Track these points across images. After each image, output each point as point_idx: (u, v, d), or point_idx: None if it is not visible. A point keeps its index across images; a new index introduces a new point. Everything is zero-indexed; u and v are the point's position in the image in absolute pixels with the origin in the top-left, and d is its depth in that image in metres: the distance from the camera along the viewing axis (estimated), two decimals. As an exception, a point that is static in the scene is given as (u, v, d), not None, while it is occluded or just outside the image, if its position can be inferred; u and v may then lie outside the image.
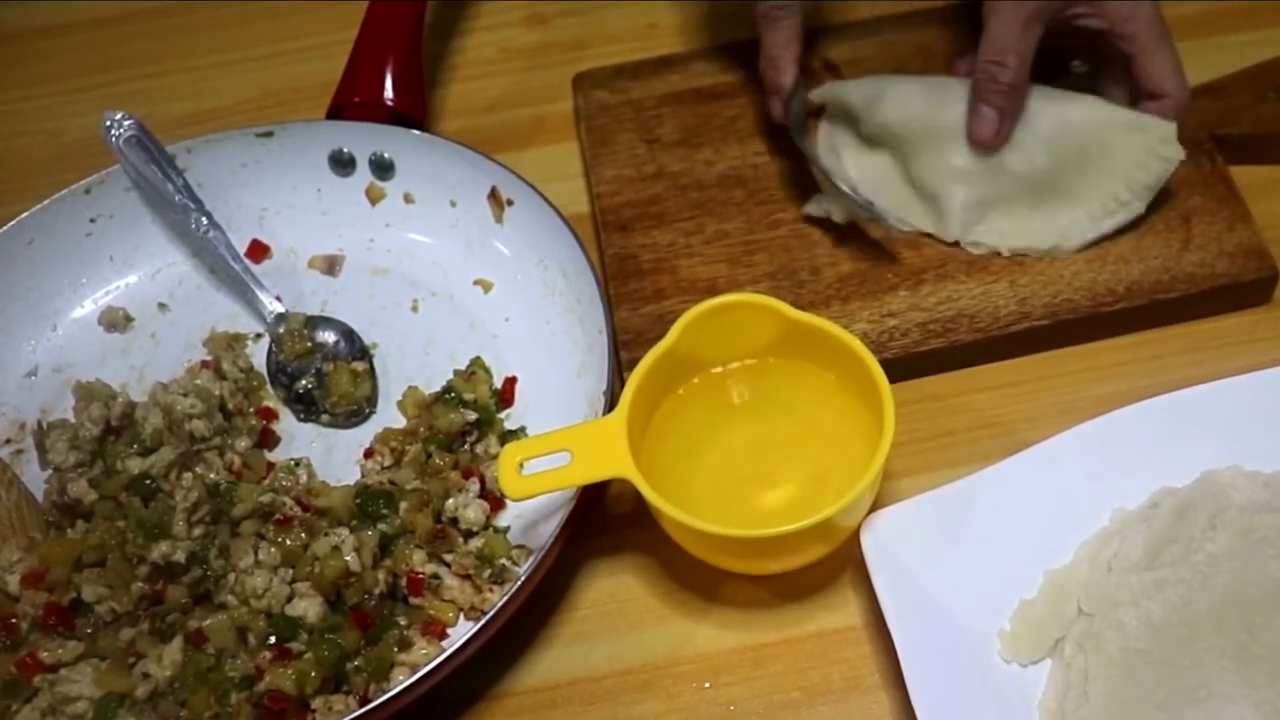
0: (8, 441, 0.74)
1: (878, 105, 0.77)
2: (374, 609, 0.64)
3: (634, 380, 0.64)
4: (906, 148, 0.77)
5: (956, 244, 0.75)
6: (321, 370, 0.75)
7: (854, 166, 0.79)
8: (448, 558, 0.66)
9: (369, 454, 0.71)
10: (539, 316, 0.75)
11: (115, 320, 0.79)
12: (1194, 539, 0.61)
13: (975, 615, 0.61)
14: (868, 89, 0.79)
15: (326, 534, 0.65)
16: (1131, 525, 0.63)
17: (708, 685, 0.64)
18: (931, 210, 0.76)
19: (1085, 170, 0.74)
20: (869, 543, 0.62)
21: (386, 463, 0.70)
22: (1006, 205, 0.74)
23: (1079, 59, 0.79)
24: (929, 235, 0.76)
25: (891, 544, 0.62)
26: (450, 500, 0.68)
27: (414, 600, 0.65)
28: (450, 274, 0.79)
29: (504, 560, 0.66)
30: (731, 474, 0.67)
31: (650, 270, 0.77)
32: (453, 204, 0.79)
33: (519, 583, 0.61)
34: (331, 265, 0.80)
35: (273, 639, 0.62)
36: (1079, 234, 0.74)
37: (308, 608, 0.63)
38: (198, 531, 0.66)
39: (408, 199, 0.81)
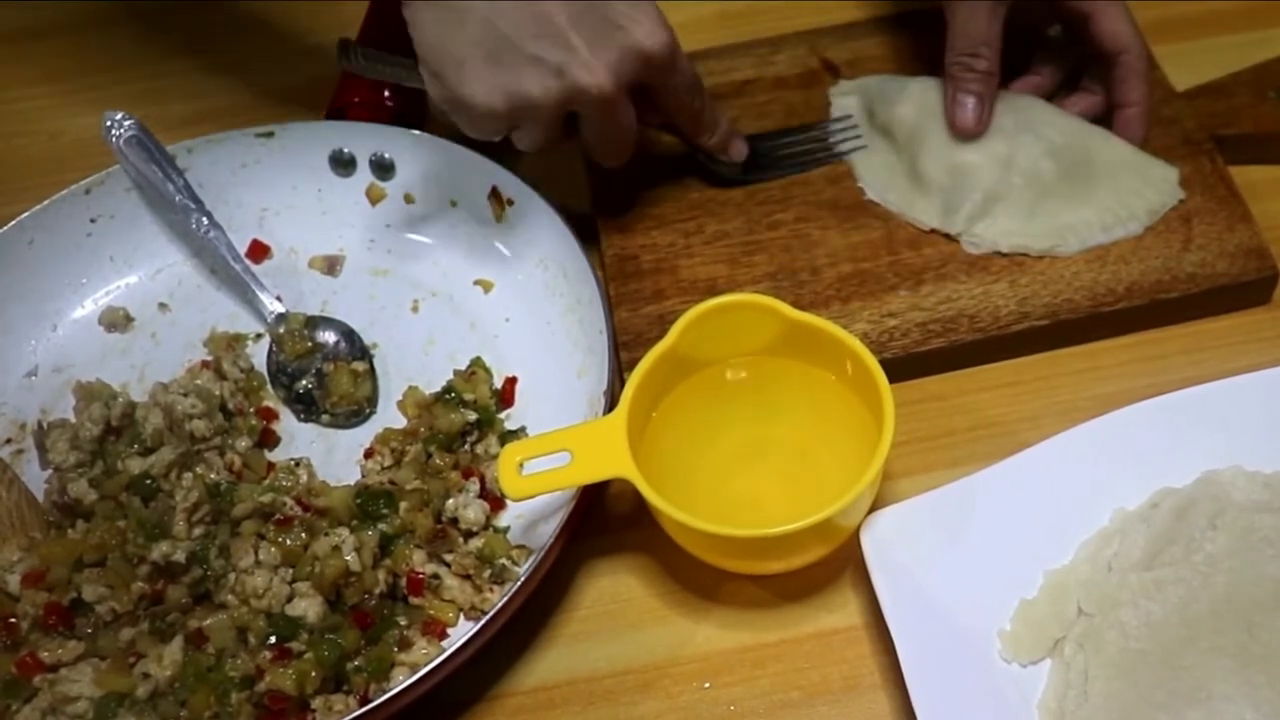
0: (8, 441, 0.74)
1: (897, 98, 0.79)
2: (374, 609, 0.64)
3: (634, 380, 0.64)
4: (917, 141, 0.77)
5: (957, 242, 0.75)
6: (322, 370, 0.75)
7: (860, 162, 0.80)
8: (448, 558, 0.66)
9: (369, 454, 0.71)
10: (539, 317, 0.75)
11: (115, 320, 0.79)
12: (1194, 539, 0.61)
13: (975, 615, 0.61)
14: (889, 83, 0.81)
15: (326, 534, 0.65)
16: (1132, 525, 0.63)
17: (708, 685, 0.64)
18: (937, 204, 0.76)
19: (1091, 184, 0.75)
20: (869, 543, 0.62)
21: (386, 463, 0.70)
22: (1011, 203, 0.75)
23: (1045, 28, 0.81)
24: (931, 232, 0.76)
25: (891, 544, 0.62)
26: (450, 500, 0.68)
27: (414, 600, 0.65)
28: (450, 274, 0.79)
29: (504, 560, 0.66)
30: (731, 474, 0.67)
31: (650, 270, 0.77)
32: (453, 204, 0.79)
33: (519, 583, 0.61)
34: (332, 265, 0.80)
35: (273, 639, 0.62)
36: (1078, 239, 0.74)
37: (308, 608, 0.63)
38: (198, 531, 0.66)
39: (408, 199, 0.81)
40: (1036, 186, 0.75)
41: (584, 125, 0.71)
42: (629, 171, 0.77)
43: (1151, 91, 0.77)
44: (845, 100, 0.83)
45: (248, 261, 0.78)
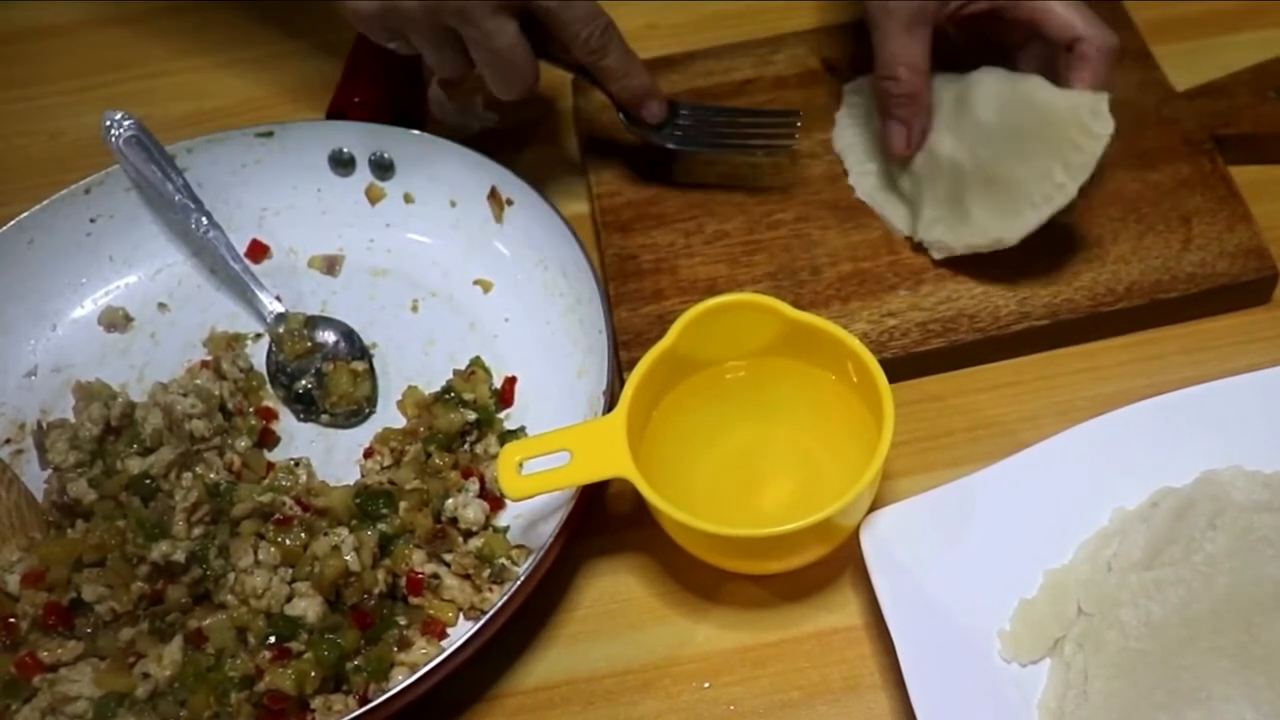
0: (8, 441, 0.74)
1: (874, 103, 0.78)
2: (374, 609, 0.64)
3: (633, 380, 0.64)
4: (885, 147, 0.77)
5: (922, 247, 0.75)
6: (321, 370, 0.75)
7: (855, 171, 0.79)
8: (447, 557, 0.66)
9: (369, 454, 0.71)
10: (539, 316, 0.75)
11: (115, 320, 0.79)
12: (1194, 539, 0.61)
13: (975, 615, 0.61)
14: None
15: (326, 534, 0.65)
16: (1131, 525, 0.63)
17: (708, 685, 0.64)
18: (910, 213, 0.76)
19: (1025, 153, 0.71)
20: (869, 543, 0.62)
21: (386, 463, 0.70)
22: (959, 203, 0.73)
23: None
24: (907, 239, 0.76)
25: (891, 544, 0.62)
26: (450, 500, 0.68)
27: (414, 600, 0.65)
28: (450, 274, 0.79)
29: (504, 560, 0.66)
30: (731, 474, 0.67)
31: (650, 270, 0.77)
32: (453, 204, 0.79)
33: (519, 582, 0.61)
34: (331, 265, 0.80)
35: (272, 639, 0.62)
36: (1020, 225, 0.71)
37: (307, 608, 0.63)
38: (198, 531, 0.66)
39: (408, 199, 0.81)
40: (979, 177, 0.72)
41: (469, 48, 0.69)
42: (623, 153, 0.77)
43: (1107, 75, 0.71)
44: (855, 99, 0.83)
45: (247, 261, 0.78)
